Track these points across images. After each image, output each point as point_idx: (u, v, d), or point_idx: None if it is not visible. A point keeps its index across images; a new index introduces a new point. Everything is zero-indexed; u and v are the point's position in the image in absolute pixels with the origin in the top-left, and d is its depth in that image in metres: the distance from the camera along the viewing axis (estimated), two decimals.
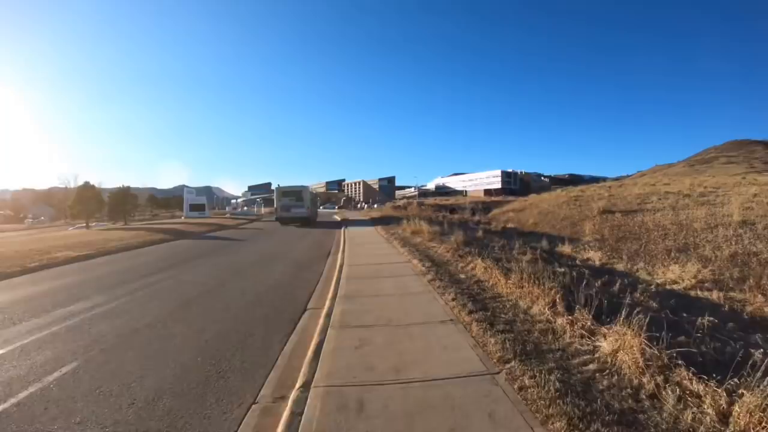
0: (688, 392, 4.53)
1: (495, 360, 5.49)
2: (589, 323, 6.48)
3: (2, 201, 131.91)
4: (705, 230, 23.59)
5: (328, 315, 7.78)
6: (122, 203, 59.11)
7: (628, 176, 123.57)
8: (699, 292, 13.01)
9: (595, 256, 19.72)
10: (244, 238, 28.01)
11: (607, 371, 5.20)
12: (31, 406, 5.01)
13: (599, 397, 4.56)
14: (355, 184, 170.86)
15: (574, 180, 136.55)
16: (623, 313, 6.19)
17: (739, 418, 3.99)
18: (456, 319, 7.17)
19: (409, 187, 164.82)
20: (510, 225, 34.01)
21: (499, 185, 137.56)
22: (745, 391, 4.17)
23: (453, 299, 8.33)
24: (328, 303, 8.80)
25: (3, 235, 45.04)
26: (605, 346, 5.78)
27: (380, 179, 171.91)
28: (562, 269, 12.84)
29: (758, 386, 4.13)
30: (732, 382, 4.42)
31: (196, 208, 62.92)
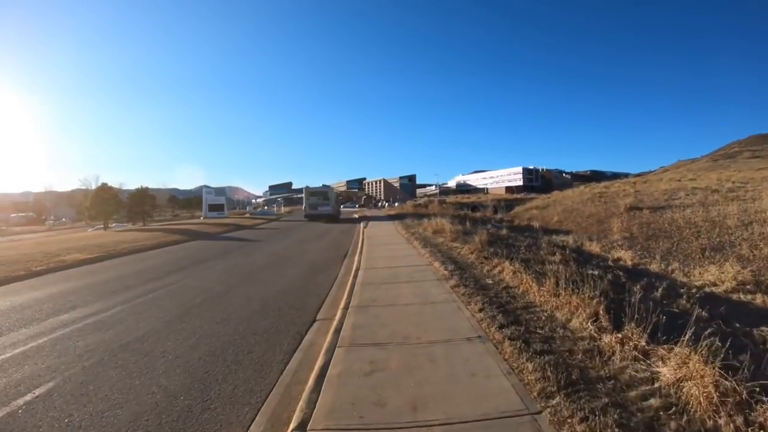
0: None
1: (535, 393, 4.45)
2: (643, 343, 5.48)
3: (25, 203, 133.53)
4: (739, 227, 22.34)
5: (338, 329, 6.81)
6: (141, 204, 59.04)
7: (650, 172, 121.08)
8: (741, 296, 12.04)
9: (626, 256, 18.59)
10: (260, 238, 27.25)
11: (674, 409, 4.15)
12: None
13: None
14: (376, 182, 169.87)
15: (596, 176, 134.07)
16: (687, 333, 5.18)
17: None
18: (485, 336, 6.13)
19: (430, 185, 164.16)
20: (534, 223, 32.84)
21: (520, 182, 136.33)
22: None
23: (480, 310, 7.30)
24: (339, 314, 7.84)
25: (21, 237, 45.47)
26: (665, 373, 4.76)
27: (401, 177, 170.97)
28: (596, 272, 11.83)
29: None
30: None
31: (215, 208, 62.57)
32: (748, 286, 13.33)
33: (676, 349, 5.06)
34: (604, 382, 4.69)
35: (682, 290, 11.54)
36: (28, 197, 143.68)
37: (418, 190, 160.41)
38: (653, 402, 4.30)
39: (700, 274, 16.24)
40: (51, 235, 43.53)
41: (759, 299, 11.16)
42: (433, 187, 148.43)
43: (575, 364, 5.14)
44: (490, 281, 9.69)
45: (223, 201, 66.38)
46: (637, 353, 5.31)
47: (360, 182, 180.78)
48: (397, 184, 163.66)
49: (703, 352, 4.65)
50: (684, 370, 4.65)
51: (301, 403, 4.52)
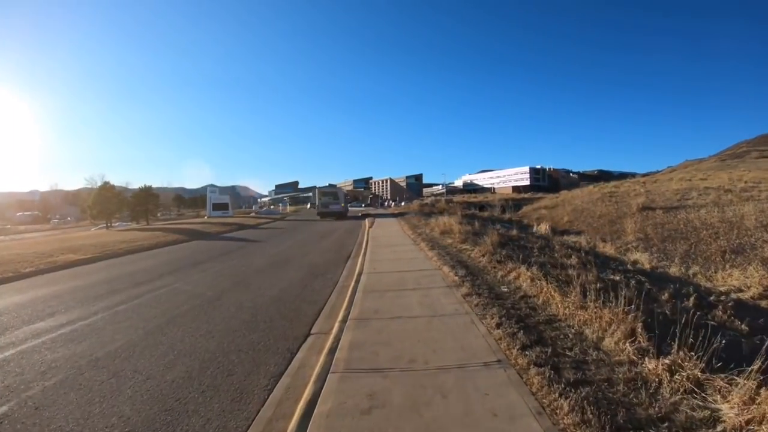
0: None
1: None
2: (698, 372, 4.56)
3: (32, 201, 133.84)
4: (758, 228, 21.49)
5: (333, 348, 5.87)
6: (144, 203, 58.39)
7: (657, 172, 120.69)
8: None
9: (643, 259, 17.67)
10: (262, 238, 26.40)
11: None
12: None
13: None
14: (382, 182, 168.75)
15: (603, 176, 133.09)
16: (758, 363, 4.27)
17: None
18: (505, 360, 5.14)
19: (436, 184, 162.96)
20: (543, 223, 31.92)
21: (527, 182, 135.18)
22: None
23: (497, 325, 6.33)
24: (336, 327, 6.91)
25: (23, 236, 45.36)
26: (728, 411, 3.87)
27: (407, 177, 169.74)
28: (617, 277, 10.96)
29: None
30: None
31: (220, 207, 62.15)
32: None
33: (740, 381, 4.17)
34: (657, 426, 3.76)
35: (711, 298, 10.68)
36: (34, 196, 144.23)
37: (425, 190, 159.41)
38: None
39: (723, 278, 15.36)
40: (52, 235, 43.66)
41: None
42: (440, 187, 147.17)
43: (618, 400, 4.21)
44: (506, 289, 8.74)
45: (228, 200, 65.96)
46: (690, 384, 4.41)
47: (366, 181, 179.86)
48: (403, 184, 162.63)
49: None
50: (754, 411, 3.75)
51: None
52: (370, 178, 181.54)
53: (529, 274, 9.06)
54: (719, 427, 3.77)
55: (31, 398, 5.10)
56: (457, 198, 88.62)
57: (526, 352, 5.27)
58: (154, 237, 27.52)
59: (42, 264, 16.35)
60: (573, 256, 13.72)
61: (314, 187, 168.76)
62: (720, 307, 8.88)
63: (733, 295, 12.47)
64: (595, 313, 6.39)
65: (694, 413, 3.97)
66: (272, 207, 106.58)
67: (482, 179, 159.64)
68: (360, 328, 6.64)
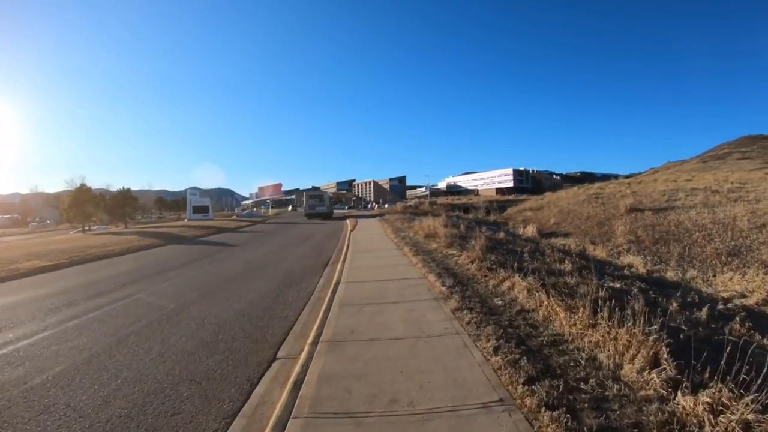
0: None
1: None
2: (749, 415, 3.64)
3: (12, 204, 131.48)
4: (752, 230, 20.93)
5: (299, 382, 4.83)
6: (122, 206, 56.98)
7: (640, 173, 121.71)
8: None
9: (637, 262, 16.92)
10: (239, 243, 25.30)
11: None
12: None
13: None
14: (366, 184, 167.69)
15: (586, 178, 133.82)
16: None
17: None
18: (509, 399, 4.13)
19: (420, 186, 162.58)
20: (530, 225, 31.22)
21: (511, 184, 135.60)
22: None
23: (495, 349, 5.33)
24: (306, 351, 5.86)
25: None
26: None
27: (391, 179, 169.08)
28: (617, 284, 10.13)
29: None
30: None
31: (200, 210, 60.72)
32: None
33: None
34: None
35: (720, 306, 9.88)
36: (16, 198, 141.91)
37: (408, 192, 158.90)
38: None
39: (722, 283, 14.68)
40: (28, 238, 43.04)
41: None
42: (423, 189, 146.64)
43: None
44: (500, 302, 7.78)
45: (208, 203, 64.59)
46: (735, 425, 3.51)
47: (350, 183, 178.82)
48: (387, 186, 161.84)
49: None
50: None
51: None
52: (354, 180, 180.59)
53: (524, 284, 8.13)
54: None
55: None
56: (441, 200, 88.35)
57: (534, 387, 4.30)
58: (127, 241, 26.52)
59: (3, 272, 15.34)
60: (566, 261, 12.91)
61: (297, 190, 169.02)
62: (737, 319, 8.01)
63: (737, 301, 11.77)
64: (608, 332, 5.49)
65: None
66: (255, 210, 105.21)
67: (466, 181, 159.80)
68: (332, 354, 5.61)
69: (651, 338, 5.03)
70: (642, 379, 4.51)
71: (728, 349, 4.44)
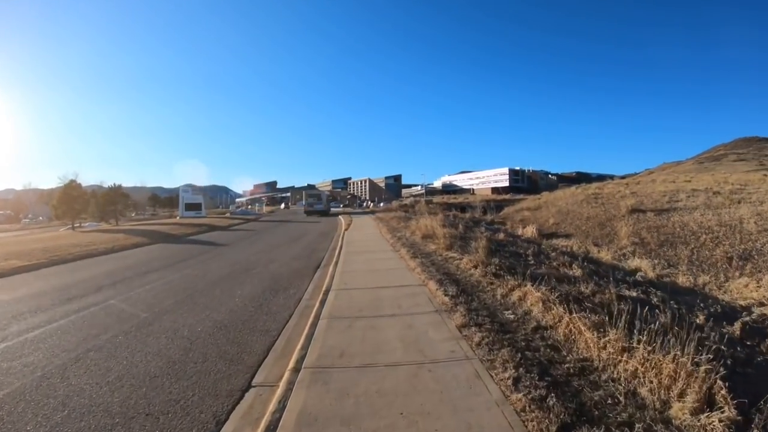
0: None
1: None
2: None
3: (5, 200, 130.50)
4: (761, 233, 20.06)
5: (272, 424, 3.86)
6: (113, 202, 55.86)
7: (636, 174, 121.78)
8: None
9: (644, 266, 15.99)
10: (229, 242, 24.29)
11: None
12: None
13: None
14: (361, 182, 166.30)
15: (582, 178, 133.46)
16: None
17: None
18: None
19: (415, 185, 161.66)
20: (530, 226, 30.32)
21: (506, 183, 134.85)
22: None
23: (515, 381, 4.38)
24: (285, 379, 4.89)
25: None
26: None
27: (386, 177, 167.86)
28: (632, 292, 9.24)
29: None
30: None
31: (192, 207, 59.73)
32: None
33: None
34: None
35: (746, 318, 8.99)
36: (10, 195, 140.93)
37: (404, 190, 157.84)
38: None
39: (738, 289, 13.82)
40: (18, 235, 42.44)
41: None
42: (419, 188, 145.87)
43: None
44: (512, 316, 6.83)
45: (201, 200, 63.69)
46: None
47: (345, 182, 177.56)
48: (382, 184, 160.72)
49: None
50: None
51: None
52: (349, 178, 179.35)
53: (538, 294, 7.19)
54: None
55: None
56: (437, 199, 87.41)
57: None
58: (114, 240, 25.54)
59: None
60: (574, 266, 12.02)
61: (292, 187, 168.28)
62: None
63: (756, 310, 10.93)
64: (646, 358, 4.59)
65: None
66: (249, 207, 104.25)
67: (461, 180, 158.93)
68: (316, 386, 4.61)
69: (702, 369, 4.13)
70: (699, 424, 3.62)
71: None
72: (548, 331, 6.04)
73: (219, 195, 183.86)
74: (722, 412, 3.68)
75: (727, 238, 20.20)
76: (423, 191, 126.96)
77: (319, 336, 6.27)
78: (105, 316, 8.72)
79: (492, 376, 4.63)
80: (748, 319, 8.95)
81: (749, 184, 33.35)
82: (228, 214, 70.58)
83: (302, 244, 20.98)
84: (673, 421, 3.73)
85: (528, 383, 4.35)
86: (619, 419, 3.76)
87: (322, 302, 8.35)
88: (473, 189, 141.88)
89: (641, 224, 25.16)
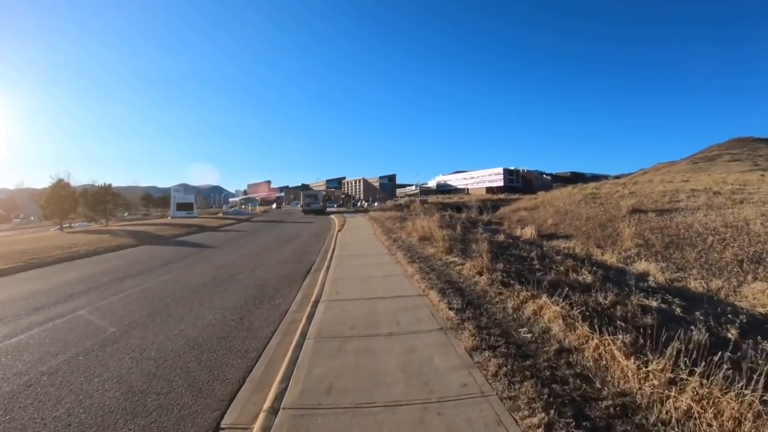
0: None
1: None
2: None
3: None
4: None
5: None
6: (103, 202, 54.65)
7: (630, 174, 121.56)
8: None
9: (653, 270, 15.18)
10: (217, 244, 23.25)
11: None
12: None
13: None
14: (356, 182, 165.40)
15: (576, 178, 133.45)
16: None
17: None
18: None
19: (410, 185, 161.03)
20: (528, 226, 29.47)
21: (501, 183, 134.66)
22: None
23: (547, 427, 3.48)
24: (260, 427, 3.94)
25: None
26: None
27: (381, 177, 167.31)
28: (652, 302, 8.43)
29: None
30: None
31: (184, 207, 58.80)
32: None
33: None
34: None
35: None
36: (2, 194, 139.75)
37: (398, 190, 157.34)
38: None
39: (753, 295, 13.03)
40: (6, 236, 41.11)
41: None
42: (414, 187, 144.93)
43: None
44: (528, 335, 5.90)
45: (193, 200, 62.76)
46: None
47: (339, 181, 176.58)
48: (377, 184, 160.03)
49: None
50: None
51: None
52: (343, 178, 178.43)
53: (557, 308, 6.29)
54: None
55: None
56: (432, 198, 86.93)
57: None
58: (99, 241, 24.57)
59: None
60: (583, 271, 11.19)
61: (286, 187, 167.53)
62: None
63: None
64: (700, 394, 3.72)
65: None
66: (243, 207, 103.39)
67: (456, 180, 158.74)
68: None
69: None
70: None
71: None
72: (574, 356, 5.14)
73: (213, 195, 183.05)
74: None
75: (734, 240, 19.46)
76: (417, 191, 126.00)
77: (303, 362, 5.30)
78: (69, 330, 7.79)
79: (517, 421, 3.70)
80: None
81: (748, 184, 32.76)
82: (221, 214, 69.56)
83: (293, 247, 20.02)
84: None
85: (561, 428, 3.45)
86: None
87: (310, 316, 7.40)
88: (468, 189, 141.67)
89: (644, 225, 24.37)
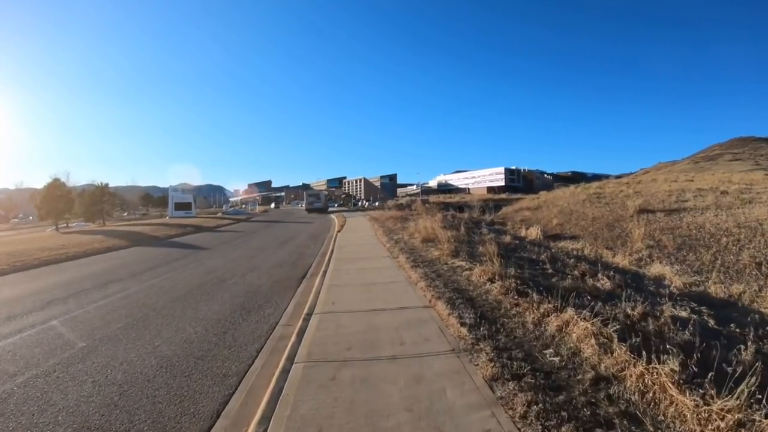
0: None
1: None
2: None
3: None
4: None
5: None
6: (99, 202, 53.86)
7: (631, 173, 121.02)
8: None
9: (668, 273, 14.27)
10: (211, 245, 22.40)
11: None
12: None
13: None
14: (356, 181, 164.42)
15: (577, 177, 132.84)
16: None
17: None
18: None
19: (411, 184, 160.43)
20: (533, 227, 28.61)
21: (502, 182, 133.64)
22: None
23: None
24: None
25: None
26: None
27: (382, 177, 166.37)
28: (683, 311, 7.61)
29: None
30: None
31: (182, 207, 58.05)
32: None
33: None
34: None
35: None
36: (2, 194, 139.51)
37: (399, 190, 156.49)
38: None
39: None
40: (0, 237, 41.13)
41: None
42: (414, 187, 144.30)
43: None
44: (556, 357, 4.99)
45: (191, 199, 61.97)
46: None
47: (340, 181, 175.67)
48: (377, 184, 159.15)
49: None
50: None
51: None
52: (344, 177, 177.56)
53: (587, 326, 5.40)
54: None
55: None
56: (433, 198, 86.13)
57: None
58: (90, 242, 23.79)
59: None
60: (601, 276, 10.30)
61: (287, 187, 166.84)
62: None
63: None
64: None
65: None
66: (243, 207, 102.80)
67: (457, 179, 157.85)
68: None
69: None
70: None
71: None
72: (614, 387, 4.26)
73: (214, 195, 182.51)
74: None
75: (749, 241, 18.63)
76: (419, 190, 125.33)
77: (289, 395, 4.38)
78: (37, 344, 6.98)
79: None
80: None
81: (754, 183, 32.00)
82: (220, 214, 68.92)
83: (289, 248, 19.14)
84: None
85: None
86: None
87: (301, 332, 6.50)
88: (469, 188, 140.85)
89: (653, 225, 23.53)
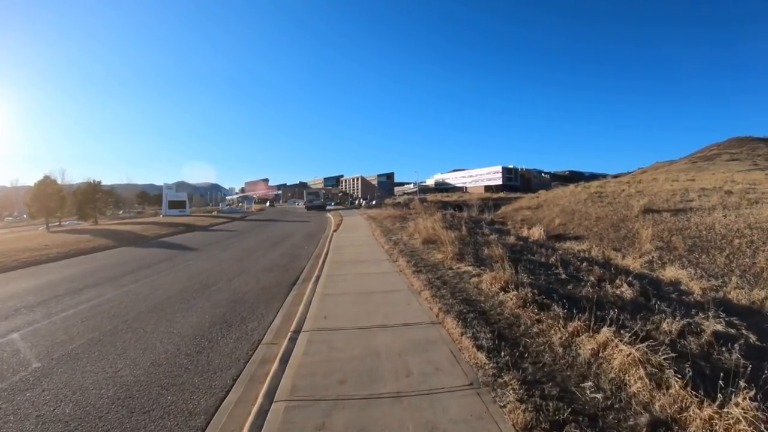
0: None
1: None
2: None
3: None
4: None
5: None
6: (92, 200, 52.83)
7: (628, 173, 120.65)
8: None
9: (683, 277, 13.34)
10: (201, 245, 21.46)
11: None
12: None
13: None
14: (353, 180, 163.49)
15: (575, 177, 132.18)
16: None
17: None
18: None
19: (408, 183, 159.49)
20: (536, 227, 27.75)
21: (499, 181, 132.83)
22: None
23: None
24: None
25: None
26: None
27: (379, 175, 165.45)
28: (719, 325, 6.71)
29: None
30: None
31: (176, 205, 57.41)
32: None
33: None
34: None
35: None
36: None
37: (397, 188, 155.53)
38: None
39: None
40: None
41: None
42: (412, 186, 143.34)
43: None
44: (598, 394, 4.00)
45: (185, 198, 61.30)
46: None
47: (337, 179, 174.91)
48: (375, 182, 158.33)
49: None
50: None
51: None
52: (341, 176, 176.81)
53: (632, 352, 4.45)
54: None
55: None
56: (431, 197, 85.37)
57: None
58: (75, 242, 22.98)
59: None
60: (620, 282, 9.40)
61: (284, 185, 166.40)
62: None
63: None
64: None
65: None
66: (240, 205, 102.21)
67: (454, 178, 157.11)
68: None
69: None
70: None
71: None
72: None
73: (211, 193, 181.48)
74: None
75: (764, 243, 17.79)
76: (416, 189, 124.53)
77: None
78: None
79: None
80: None
81: (757, 183, 31.35)
82: (215, 213, 68.19)
83: (282, 249, 18.20)
84: None
85: None
86: None
87: (286, 356, 5.49)
88: (466, 187, 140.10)
89: (660, 226, 22.70)
